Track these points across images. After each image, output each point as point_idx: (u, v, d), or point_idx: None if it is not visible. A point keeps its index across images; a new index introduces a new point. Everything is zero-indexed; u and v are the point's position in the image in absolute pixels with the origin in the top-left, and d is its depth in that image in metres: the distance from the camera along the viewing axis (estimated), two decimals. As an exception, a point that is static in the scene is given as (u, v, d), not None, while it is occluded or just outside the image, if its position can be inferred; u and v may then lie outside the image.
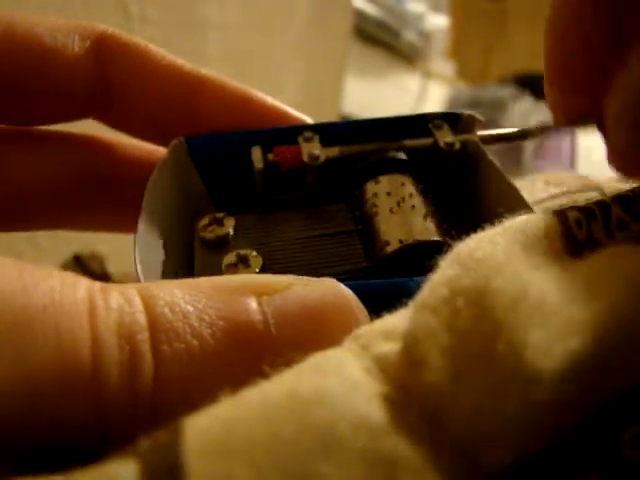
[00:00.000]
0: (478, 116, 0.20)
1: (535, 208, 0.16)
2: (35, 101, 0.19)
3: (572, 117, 0.16)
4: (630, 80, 0.13)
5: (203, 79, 0.19)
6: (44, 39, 0.18)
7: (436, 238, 0.17)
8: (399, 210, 0.18)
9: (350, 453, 0.09)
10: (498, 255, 0.11)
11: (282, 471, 0.09)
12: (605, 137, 0.15)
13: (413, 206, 0.18)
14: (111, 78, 0.19)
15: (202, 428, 0.10)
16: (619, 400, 0.10)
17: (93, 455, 0.10)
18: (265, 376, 0.11)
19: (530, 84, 1.52)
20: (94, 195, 0.20)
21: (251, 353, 0.11)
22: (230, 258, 0.17)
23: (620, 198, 0.13)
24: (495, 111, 1.54)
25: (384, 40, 1.86)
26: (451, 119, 0.20)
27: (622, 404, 0.10)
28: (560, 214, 0.12)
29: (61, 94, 0.19)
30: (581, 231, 0.12)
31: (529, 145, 1.33)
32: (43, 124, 0.20)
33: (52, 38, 0.18)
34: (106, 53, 0.19)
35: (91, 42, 0.19)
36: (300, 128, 0.19)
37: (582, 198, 0.22)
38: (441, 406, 0.10)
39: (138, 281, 0.15)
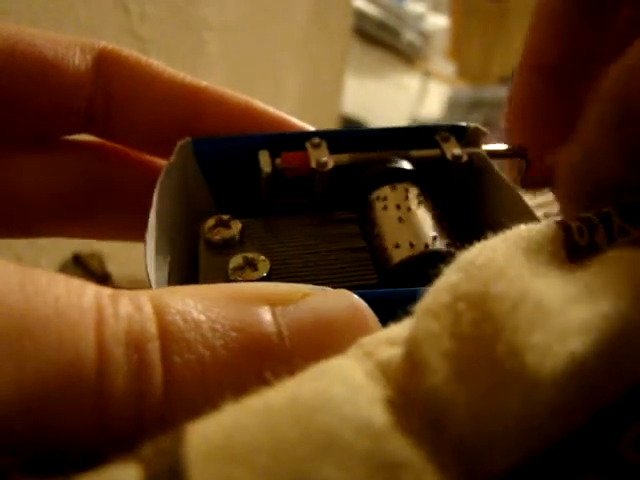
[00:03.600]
0: (483, 129, 0.20)
1: (536, 213, 0.17)
2: (35, 114, 0.18)
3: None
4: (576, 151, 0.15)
5: (204, 92, 0.19)
6: (45, 51, 0.18)
7: (441, 249, 0.17)
8: (405, 219, 0.18)
9: (352, 456, 0.09)
10: (499, 261, 0.11)
11: (285, 475, 0.09)
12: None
13: (419, 216, 0.18)
14: (111, 93, 0.19)
15: (205, 433, 0.10)
16: (619, 401, 0.10)
17: (96, 462, 0.10)
18: (269, 384, 0.11)
19: (530, 84, 1.52)
20: (96, 202, 0.20)
21: (264, 365, 0.11)
22: (237, 261, 0.17)
23: (620, 208, 0.13)
24: (495, 111, 1.54)
25: (384, 40, 1.87)
26: (457, 131, 0.20)
27: (622, 405, 0.10)
28: (562, 223, 0.12)
29: (61, 107, 0.19)
30: (583, 238, 0.12)
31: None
32: (42, 137, 0.20)
33: (53, 51, 0.18)
34: (107, 68, 0.19)
35: (92, 57, 0.19)
36: (308, 134, 0.19)
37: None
38: (442, 409, 0.10)
39: (148, 282, 0.15)
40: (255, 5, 0.68)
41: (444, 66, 1.93)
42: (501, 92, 1.56)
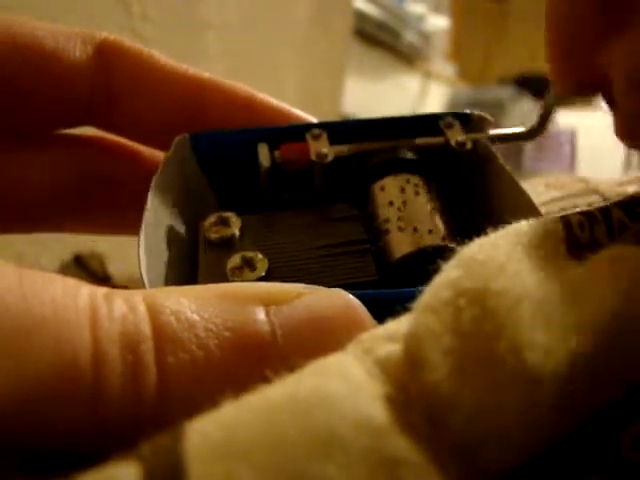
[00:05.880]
0: (488, 117, 0.19)
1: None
2: (35, 105, 0.18)
3: (575, 86, 0.16)
4: None
5: (207, 83, 0.19)
6: (45, 42, 0.18)
7: (443, 242, 0.17)
8: (407, 211, 0.17)
9: (352, 454, 0.09)
10: (500, 257, 0.11)
11: (284, 472, 0.09)
12: (613, 104, 0.14)
13: (421, 207, 0.17)
14: (113, 84, 0.19)
15: (204, 431, 0.10)
16: (619, 400, 0.10)
17: (95, 460, 0.10)
18: (267, 381, 0.11)
19: (530, 85, 1.52)
20: (95, 196, 0.20)
21: (257, 364, 0.11)
22: (235, 260, 0.17)
23: (620, 203, 0.13)
24: (495, 112, 1.54)
25: (384, 41, 1.87)
26: (461, 119, 0.19)
27: (622, 404, 0.10)
28: (563, 218, 0.12)
29: (62, 98, 0.18)
30: (584, 234, 0.12)
31: (529, 148, 1.34)
32: (44, 130, 0.19)
33: (54, 41, 0.18)
34: (108, 59, 0.19)
35: (93, 47, 0.18)
36: (308, 126, 0.19)
37: (583, 201, 0.22)
38: (442, 406, 0.10)
39: (142, 281, 0.15)
40: (256, 5, 0.68)
41: (444, 67, 1.93)
42: (501, 93, 1.56)
